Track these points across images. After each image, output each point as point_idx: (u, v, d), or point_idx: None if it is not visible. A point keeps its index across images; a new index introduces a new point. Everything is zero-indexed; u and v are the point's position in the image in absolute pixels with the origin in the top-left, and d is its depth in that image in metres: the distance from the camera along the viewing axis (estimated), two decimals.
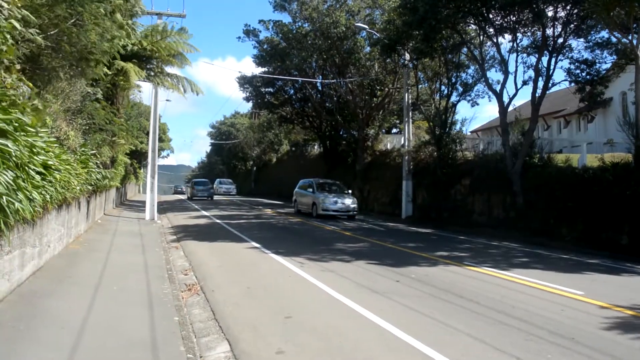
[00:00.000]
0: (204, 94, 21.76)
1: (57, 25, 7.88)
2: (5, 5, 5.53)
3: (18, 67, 6.54)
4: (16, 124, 5.41)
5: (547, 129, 37.10)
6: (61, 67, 9.14)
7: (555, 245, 14.67)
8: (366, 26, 24.88)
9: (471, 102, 24.01)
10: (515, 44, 18.82)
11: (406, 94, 24.97)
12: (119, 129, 16.57)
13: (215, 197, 43.03)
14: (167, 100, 59.74)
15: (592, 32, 17.42)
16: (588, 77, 17.73)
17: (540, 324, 6.26)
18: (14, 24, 5.78)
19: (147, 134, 25.06)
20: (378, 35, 22.53)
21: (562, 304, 7.35)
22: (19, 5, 5.81)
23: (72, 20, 8.00)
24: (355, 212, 23.05)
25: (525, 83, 19.32)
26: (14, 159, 5.28)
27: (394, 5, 22.06)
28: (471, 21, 19.20)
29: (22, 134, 5.60)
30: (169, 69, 19.68)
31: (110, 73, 13.02)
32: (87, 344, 4.93)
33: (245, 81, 36.49)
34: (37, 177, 6.30)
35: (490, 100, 38.33)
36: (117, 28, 9.85)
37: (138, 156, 39.28)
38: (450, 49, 21.36)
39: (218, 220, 20.15)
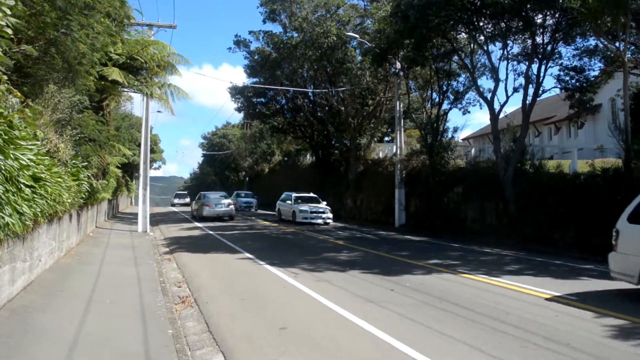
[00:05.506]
0: (191, 98, 21.68)
1: (44, 33, 7.81)
2: None
3: (5, 77, 6.45)
4: (5, 137, 5.36)
5: (538, 135, 37.38)
6: (51, 78, 9.06)
7: (548, 251, 14.69)
8: (357, 35, 24.98)
9: (462, 109, 24.16)
10: (505, 52, 18.98)
11: (397, 103, 25.05)
12: (107, 138, 16.42)
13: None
14: (158, 111, 59.37)
15: (580, 40, 17.61)
16: (577, 84, 17.86)
17: (535, 330, 6.25)
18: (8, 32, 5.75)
19: (139, 145, 24.92)
20: (369, 44, 22.63)
21: (556, 310, 7.35)
22: (8, 13, 5.76)
23: (63, 30, 7.94)
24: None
25: (515, 90, 19.41)
26: (3, 172, 5.23)
27: (384, 15, 22.18)
28: (462, 29, 19.33)
29: (11, 146, 5.55)
30: (157, 79, 19.54)
31: (97, 81, 12.87)
32: (80, 359, 4.87)
33: (236, 92, 36.44)
34: (28, 191, 6.24)
35: (481, 108, 38.92)
36: (107, 34, 9.76)
37: (130, 168, 39.07)
38: (441, 57, 21.51)
39: (211, 232, 20.05)
